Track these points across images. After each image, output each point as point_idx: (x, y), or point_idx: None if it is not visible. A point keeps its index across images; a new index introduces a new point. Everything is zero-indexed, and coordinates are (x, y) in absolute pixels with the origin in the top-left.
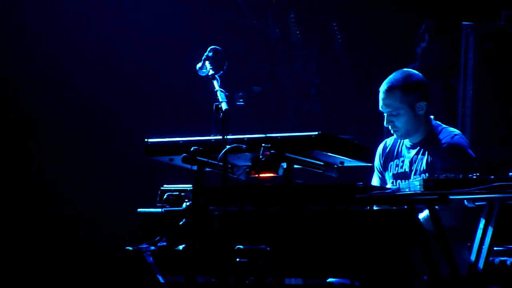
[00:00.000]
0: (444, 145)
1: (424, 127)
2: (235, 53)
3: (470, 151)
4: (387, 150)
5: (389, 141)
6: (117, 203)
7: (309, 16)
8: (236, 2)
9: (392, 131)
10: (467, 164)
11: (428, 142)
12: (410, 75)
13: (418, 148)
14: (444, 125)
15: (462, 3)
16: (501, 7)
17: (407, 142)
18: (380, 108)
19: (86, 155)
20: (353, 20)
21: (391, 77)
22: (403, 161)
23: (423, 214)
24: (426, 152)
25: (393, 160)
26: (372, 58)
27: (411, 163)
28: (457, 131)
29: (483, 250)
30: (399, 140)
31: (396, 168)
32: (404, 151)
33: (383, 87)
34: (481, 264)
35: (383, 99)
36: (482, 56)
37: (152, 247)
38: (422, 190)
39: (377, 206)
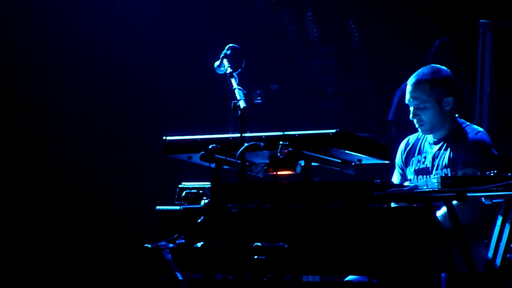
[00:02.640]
0: (468, 141)
1: (449, 123)
2: (253, 52)
3: (493, 150)
4: (410, 146)
5: (412, 137)
6: (136, 200)
7: (326, 15)
8: (253, 0)
9: (417, 125)
10: (489, 162)
11: (451, 137)
12: (439, 69)
13: (441, 143)
14: (468, 123)
15: (479, 2)
16: None
17: (430, 138)
18: (407, 101)
19: (105, 154)
20: (370, 19)
21: (419, 71)
22: (425, 157)
23: (441, 212)
24: (449, 148)
25: (415, 156)
26: (389, 56)
27: (434, 158)
28: (481, 129)
29: (500, 247)
30: (422, 137)
31: (418, 163)
32: (427, 147)
33: (411, 80)
34: (498, 261)
35: (411, 92)
36: (499, 54)
37: (171, 245)
38: (440, 187)
39: (395, 204)
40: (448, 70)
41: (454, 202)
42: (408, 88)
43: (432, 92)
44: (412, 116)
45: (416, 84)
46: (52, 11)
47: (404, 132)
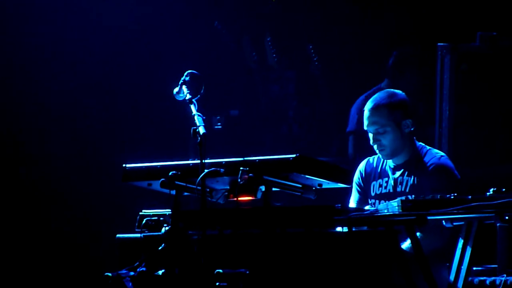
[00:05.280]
0: (432, 166)
1: (409, 147)
2: (212, 77)
3: (456, 173)
4: (371, 168)
5: (372, 159)
6: (96, 228)
7: (285, 40)
8: (213, 26)
9: (377, 151)
10: (455, 185)
11: (413, 163)
12: (394, 93)
13: (403, 170)
14: (428, 147)
15: (438, 25)
16: (476, 29)
17: (390, 163)
18: (366, 127)
19: (64, 181)
20: (329, 43)
21: (375, 96)
22: (387, 182)
23: (406, 244)
24: (412, 175)
25: (376, 180)
26: (349, 78)
27: (396, 183)
28: (442, 153)
29: (462, 270)
30: (382, 160)
31: (380, 188)
32: (389, 171)
33: (368, 106)
34: (460, 284)
35: (369, 117)
36: (458, 77)
37: (132, 273)
38: (400, 211)
39: (356, 228)
40: (403, 93)
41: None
42: (366, 113)
43: (391, 115)
44: (373, 142)
45: (374, 109)
46: None
47: (364, 144)
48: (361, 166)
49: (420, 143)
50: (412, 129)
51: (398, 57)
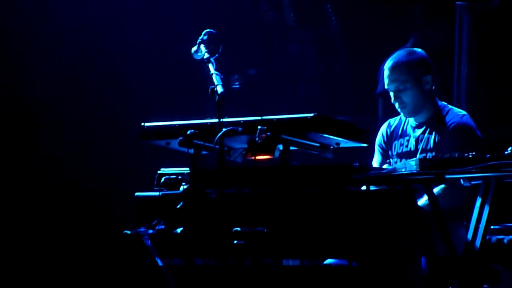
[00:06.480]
0: (453, 125)
1: (430, 105)
2: (230, 37)
3: (478, 132)
4: (392, 129)
5: (393, 120)
6: (115, 187)
7: None
8: None
9: (399, 109)
10: (476, 144)
11: (435, 121)
12: (413, 51)
13: (424, 127)
14: (450, 106)
15: None
16: None
17: (412, 121)
18: (386, 86)
19: (83, 141)
20: (347, 2)
21: (394, 55)
22: (408, 140)
23: (423, 200)
24: (433, 132)
25: (397, 139)
26: (368, 38)
27: (417, 142)
28: (464, 112)
29: (479, 229)
30: (403, 120)
31: (401, 147)
32: (409, 130)
33: (388, 65)
34: (478, 243)
35: (389, 76)
36: (476, 37)
37: (150, 231)
38: (418, 170)
39: (375, 186)
40: (423, 51)
41: (438, 188)
42: (386, 72)
43: (411, 71)
44: (394, 100)
45: (393, 67)
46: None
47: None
48: (383, 128)
49: (442, 102)
50: (433, 86)
51: (427, 4)
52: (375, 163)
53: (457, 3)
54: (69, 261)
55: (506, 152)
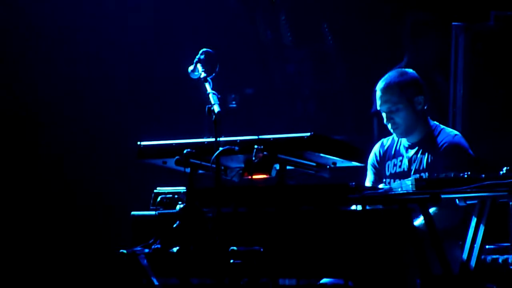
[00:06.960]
0: (445, 145)
1: (422, 125)
2: (227, 56)
3: (471, 151)
4: (385, 148)
5: (386, 140)
6: (111, 206)
7: (299, 18)
8: (227, 4)
9: (391, 130)
10: (469, 163)
11: (427, 142)
12: (405, 71)
13: (417, 148)
14: (442, 126)
15: (452, 4)
16: (490, 7)
17: (405, 141)
18: (379, 107)
19: (79, 159)
20: (343, 21)
21: (386, 76)
22: (401, 161)
23: (419, 221)
24: (426, 152)
25: (390, 160)
26: (363, 58)
27: (410, 162)
28: (456, 132)
29: (475, 249)
30: (396, 140)
31: (394, 167)
32: (402, 150)
33: (380, 85)
34: (473, 263)
35: (381, 97)
36: (472, 57)
37: (146, 250)
38: (414, 189)
39: (370, 206)
40: (414, 71)
41: (432, 209)
42: (378, 93)
43: (402, 93)
44: (386, 121)
45: (385, 88)
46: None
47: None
48: (376, 147)
49: (435, 122)
50: (425, 107)
51: (411, 24)
52: (368, 182)
53: (453, 23)
54: (64, 282)
55: (501, 173)
